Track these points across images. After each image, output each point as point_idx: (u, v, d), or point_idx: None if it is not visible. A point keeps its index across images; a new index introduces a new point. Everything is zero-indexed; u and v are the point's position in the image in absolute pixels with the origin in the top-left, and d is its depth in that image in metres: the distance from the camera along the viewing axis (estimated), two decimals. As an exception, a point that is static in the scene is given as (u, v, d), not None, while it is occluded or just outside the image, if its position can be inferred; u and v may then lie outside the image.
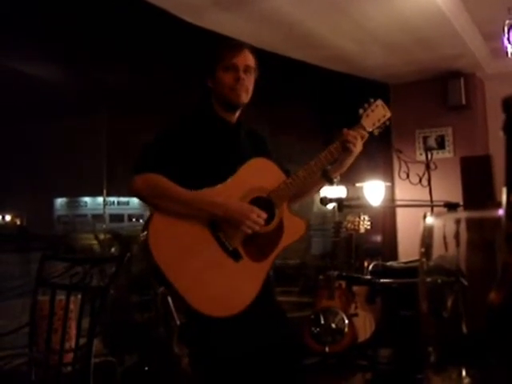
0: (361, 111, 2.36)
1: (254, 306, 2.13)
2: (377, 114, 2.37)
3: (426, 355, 0.54)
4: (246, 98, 2.27)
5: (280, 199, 2.20)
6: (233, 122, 2.32)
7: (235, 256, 2.13)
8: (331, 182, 2.35)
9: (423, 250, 0.56)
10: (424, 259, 0.55)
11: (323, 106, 6.36)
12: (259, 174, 2.23)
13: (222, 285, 2.11)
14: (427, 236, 0.55)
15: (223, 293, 2.10)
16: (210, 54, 2.31)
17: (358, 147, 2.28)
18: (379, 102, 2.39)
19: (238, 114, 2.34)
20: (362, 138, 2.32)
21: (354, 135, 2.28)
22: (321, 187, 2.45)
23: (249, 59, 2.27)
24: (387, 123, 2.39)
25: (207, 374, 2.16)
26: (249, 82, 2.27)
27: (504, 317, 0.47)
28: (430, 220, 0.54)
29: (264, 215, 2.12)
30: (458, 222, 0.53)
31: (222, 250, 2.12)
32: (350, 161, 2.32)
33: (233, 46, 2.32)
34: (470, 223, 0.53)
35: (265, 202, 2.18)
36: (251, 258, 2.14)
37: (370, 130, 2.36)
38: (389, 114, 2.39)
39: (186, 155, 2.18)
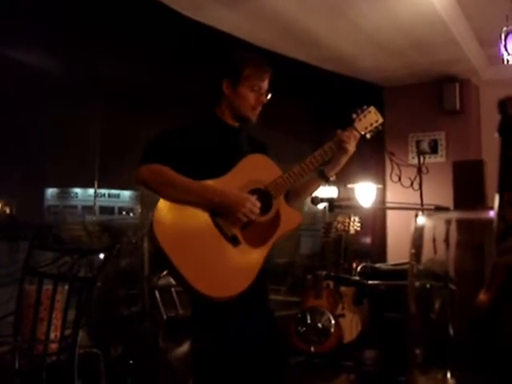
0: (354, 116, 2.48)
1: (249, 301, 2.21)
2: (369, 119, 2.50)
3: (412, 356, 0.54)
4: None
5: (277, 191, 2.31)
6: (235, 126, 2.45)
7: (234, 241, 2.23)
8: (327, 181, 2.50)
9: (413, 251, 0.56)
10: (414, 262, 0.55)
11: (316, 106, 6.36)
12: (257, 168, 2.35)
13: (222, 267, 2.21)
14: (418, 237, 0.55)
15: (223, 275, 2.20)
16: (236, 65, 2.38)
17: (352, 147, 2.42)
18: (372, 109, 2.52)
19: None
20: (355, 138, 2.45)
21: (348, 135, 2.40)
22: (318, 186, 2.56)
23: (268, 84, 2.41)
24: (380, 128, 2.52)
25: (210, 366, 2.26)
26: None
27: (491, 317, 0.47)
28: (421, 220, 0.54)
29: (258, 205, 2.23)
30: (448, 222, 0.53)
31: (222, 236, 2.22)
32: (344, 160, 2.45)
33: (262, 68, 2.41)
34: (461, 224, 0.52)
35: (262, 193, 2.30)
36: (249, 244, 2.24)
37: (363, 133, 2.48)
38: (381, 120, 2.52)
39: (189, 151, 2.29)
